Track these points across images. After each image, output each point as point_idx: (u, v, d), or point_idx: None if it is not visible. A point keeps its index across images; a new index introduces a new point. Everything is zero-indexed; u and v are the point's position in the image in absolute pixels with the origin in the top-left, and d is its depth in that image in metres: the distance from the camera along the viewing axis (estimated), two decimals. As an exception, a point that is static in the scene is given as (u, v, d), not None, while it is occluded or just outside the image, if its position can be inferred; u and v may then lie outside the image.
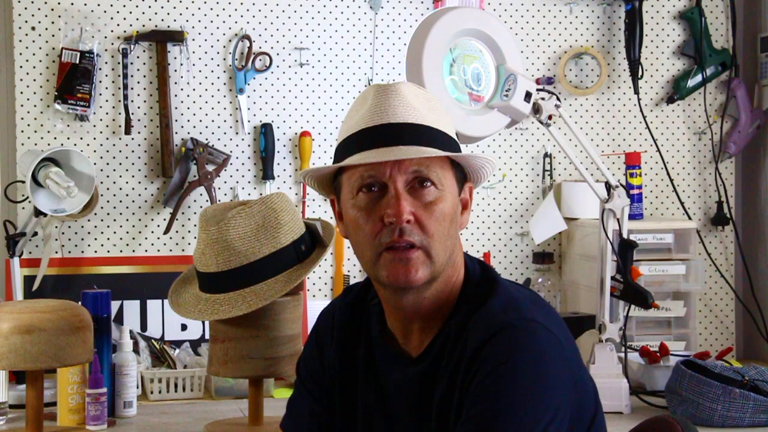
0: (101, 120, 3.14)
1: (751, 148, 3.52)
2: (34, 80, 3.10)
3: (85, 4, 3.12)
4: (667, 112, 3.49)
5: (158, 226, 3.17)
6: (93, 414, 2.50)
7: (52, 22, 3.10)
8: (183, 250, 3.17)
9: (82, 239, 3.13)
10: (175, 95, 3.18)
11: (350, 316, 1.78)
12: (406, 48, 2.69)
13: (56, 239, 3.08)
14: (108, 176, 3.14)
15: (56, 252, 3.09)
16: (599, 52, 3.43)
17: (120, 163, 3.15)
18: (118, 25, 3.14)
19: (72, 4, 3.11)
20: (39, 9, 3.09)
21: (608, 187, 2.78)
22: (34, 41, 3.10)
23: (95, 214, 3.09)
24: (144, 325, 3.09)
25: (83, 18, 3.10)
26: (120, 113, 3.14)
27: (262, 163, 3.21)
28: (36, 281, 2.98)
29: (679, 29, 3.50)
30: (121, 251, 3.15)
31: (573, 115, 3.40)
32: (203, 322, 3.06)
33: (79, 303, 2.51)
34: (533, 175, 3.41)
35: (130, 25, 3.15)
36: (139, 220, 3.17)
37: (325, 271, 3.27)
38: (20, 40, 3.09)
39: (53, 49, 3.10)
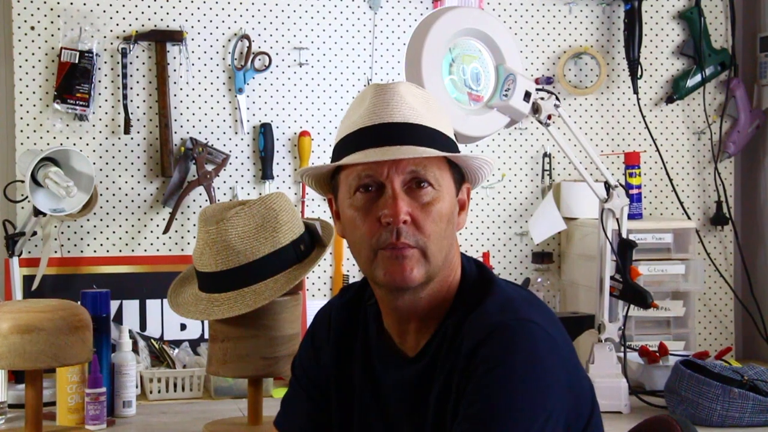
0: (100, 120, 3.14)
1: (751, 148, 3.52)
2: (34, 80, 3.10)
3: (85, 4, 3.12)
4: (667, 111, 3.50)
5: (157, 225, 3.17)
6: (92, 414, 2.50)
7: (52, 22, 3.10)
8: (182, 249, 3.17)
9: (82, 239, 3.13)
10: (175, 95, 3.18)
11: (347, 315, 1.78)
12: (406, 48, 2.68)
13: (55, 239, 3.08)
14: (107, 176, 3.14)
15: (55, 252, 3.09)
16: (598, 52, 3.43)
17: (119, 163, 3.15)
18: (117, 24, 3.14)
19: (71, 3, 3.11)
20: (38, 8, 3.09)
21: (607, 186, 2.78)
22: (33, 41, 3.10)
23: (94, 213, 3.09)
24: (143, 325, 3.09)
25: (82, 18, 3.10)
26: (119, 113, 3.14)
27: (262, 162, 3.21)
28: (35, 281, 2.97)
29: (679, 29, 3.50)
30: (120, 251, 3.15)
31: (572, 114, 3.40)
32: (202, 322, 3.06)
33: (79, 303, 2.51)
34: (532, 175, 3.41)
35: (130, 25, 3.15)
36: (139, 219, 3.17)
37: (325, 271, 3.27)
38: (19, 40, 3.09)
39: (52, 48, 3.10)
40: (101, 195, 3.11)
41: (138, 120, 3.16)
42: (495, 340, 1.54)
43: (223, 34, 3.21)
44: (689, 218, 3.40)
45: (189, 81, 3.19)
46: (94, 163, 3.05)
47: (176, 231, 3.18)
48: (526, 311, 1.59)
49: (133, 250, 3.16)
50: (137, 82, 3.16)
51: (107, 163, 3.14)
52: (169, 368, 2.93)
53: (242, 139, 3.23)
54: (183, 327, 3.10)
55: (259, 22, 3.24)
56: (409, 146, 1.59)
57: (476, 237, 3.38)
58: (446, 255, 1.63)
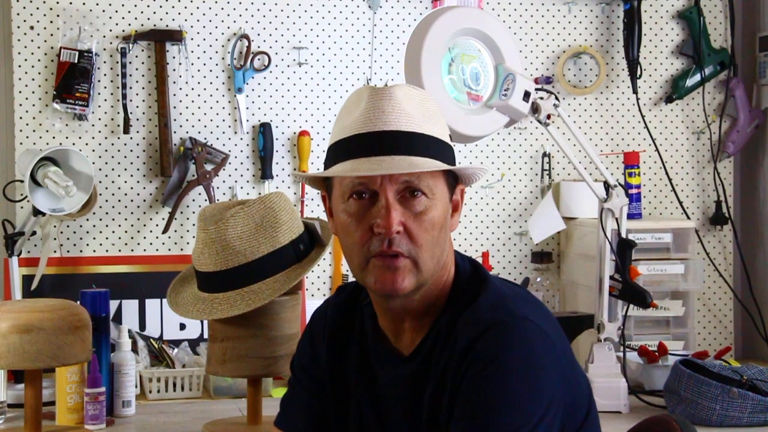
0: (100, 119, 3.14)
1: (750, 148, 3.52)
2: (33, 79, 3.10)
3: (84, 4, 3.12)
4: (666, 111, 3.49)
5: (157, 225, 3.17)
6: (92, 413, 2.50)
7: (51, 22, 3.10)
8: (182, 249, 3.17)
9: (81, 238, 3.13)
10: (174, 94, 3.17)
11: (342, 314, 1.78)
12: (405, 47, 2.68)
13: (55, 238, 3.08)
14: (107, 175, 3.14)
15: (55, 251, 3.09)
16: (598, 52, 3.43)
17: (118, 163, 3.15)
18: (116, 24, 3.14)
19: (71, 3, 3.11)
20: (37, 8, 3.09)
21: (607, 186, 2.78)
22: (32, 40, 3.10)
23: (94, 213, 3.09)
24: (143, 325, 3.09)
25: (82, 17, 3.10)
26: (119, 112, 3.14)
27: (261, 162, 3.21)
28: (35, 280, 2.97)
29: (678, 29, 3.50)
30: (119, 250, 3.15)
31: (572, 114, 3.40)
32: (202, 322, 3.06)
33: (78, 302, 2.51)
34: (532, 175, 3.41)
35: (129, 25, 3.15)
36: (138, 219, 3.17)
37: (324, 271, 3.27)
38: (19, 40, 3.09)
39: (52, 48, 3.10)
40: (100, 195, 3.11)
41: (137, 120, 3.15)
42: (488, 337, 1.55)
43: (223, 33, 3.21)
44: (688, 218, 3.40)
45: (188, 81, 3.19)
46: (93, 163, 3.05)
47: (175, 231, 3.17)
48: (519, 308, 1.59)
49: (132, 250, 3.16)
50: (136, 81, 3.16)
51: (106, 163, 3.14)
52: (168, 368, 2.93)
53: (241, 139, 3.23)
54: (182, 327, 3.10)
55: (258, 22, 3.24)
56: (404, 156, 1.58)
57: (476, 237, 3.38)
58: (438, 261, 1.63)
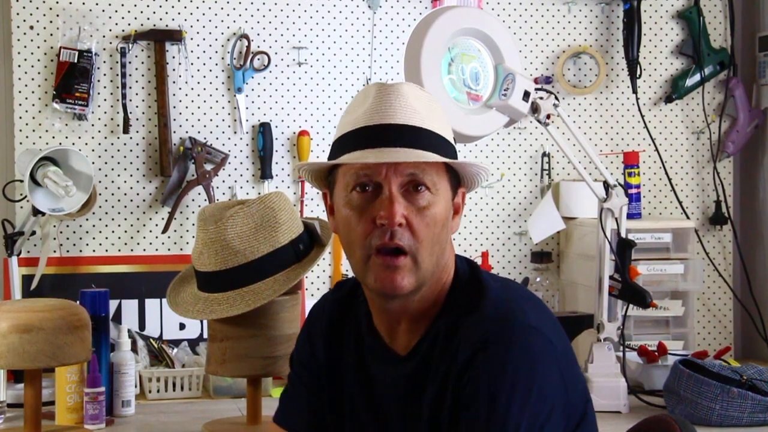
0: (99, 119, 3.14)
1: (750, 148, 3.52)
2: (33, 79, 3.10)
3: (84, 3, 3.12)
4: (666, 111, 3.49)
5: (156, 225, 3.17)
6: (91, 413, 2.50)
7: (51, 21, 3.10)
8: (181, 249, 3.17)
9: (81, 238, 3.13)
10: (174, 94, 3.17)
11: (340, 311, 1.78)
12: (405, 47, 2.69)
13: (54, 238, 3.08)
14: (106, 175, 3.14)
15: (54, 251, 3.09)
16: (598, 52, 3.43)
17: (118, 162, 3.15)
18: (116, 24, 3.14)
19: (70, 3, 3.11)
20: (37, 8, 3.09)
21: (606, 186, 2.78)
22: (32, 40, 3.10)
23: (93, 213, 3.09)
24: (142, 324, 3.09)
25: (81, 17, 3.10)
26: (118, 112, 3.14)
27: (261, 162, 3.21)
28: (34, 280, 2.97)
29: (678, 29, 3.50)
30: (119, 250, 3.15)
31: (571, 114, 3.40)
32: (201, 322, 3.06)
33: (78, 302, 2.51)
34: (531, 175, 3.41)
35: (129, 25, 3.15)
36: (138, 219, 3.17)
37: (324, 270, 3.27)
38: (18, 39, 3.09)
39: (51, 48, 3.10)
40: (100, 194, 3.11)
41: (137, 119, 3.15)
42: (493, 346, 1.55)
43: (222, 33, 3.21)
44: (688, 218, 3.40)
45: (188, 80, 3.19)
46: (93, 163, 3.05)
47: (175, 230, 3.17)
48: (523, 315, 1.59)
49: (132, 250, 3.16)
50: (136, 81, 3.16)
51: (106, 163, 3.14)
52: (168, 368, 2.93)
53: (241, 139, 3.23)
54: (182, 326, 3.10)
55: (258, 22, 3.24)
56: (409, 149, 1.59)
57: (475, 236, 3.38)
58: (438, 260, 1.63)
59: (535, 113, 2.73)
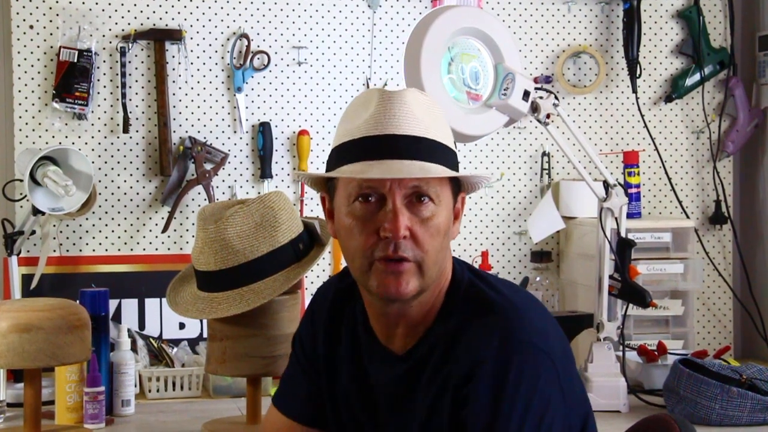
0: (99, 119, 3.14)
1: (750, 147, 3.52)
2: (32, 79, 3.10)
3: (83, 3, 3.11)
4: (666, 111, 3.49)
5: (156, 224, 3.17)
6: (91, 412, 2.49)
7: (50, 21, 3.10)
8: (181, 248, 3.17)
9: (80, 238, 3.13)
10: (173, 94, 3.17)
11: (340, 303, 1.78)
12: (405, 47, 2.68)
13: (54, 238, 3.08)
14: (106, 175, 3.14)
15: (54, 250, 3.09)
16: (597, 51, 3.43)
17: (118, 162, 3.15)
18: (116, 23, 3.14)
19: (70, 2, 3.11)
20: (37, 7, 3.09)
21: (606, 186, 2.78)
22: (32, 40, 3.09)
23: (93, 212, 3.09)
24: (142, 324, 3.09)
25: (81, 16, 3.10)
26: (118, 112, 3.14)
27: (260, 161, 3.21)
28: (34, 280, 2.97)
29: (678, 28, 3.50)
30: (119, 250, 3.15)
31: (571, 114, 3.40)
32: (201, 321, 3.06)
33: (77, 301, 2.51)
34: (531, 174, 3.41)
35: (128, 24, 3.15)
36: (137, 218, 3.17)
37: (323, 270, 3.27)
38: (18, 39, 3.09)
39: (51, 47, 3.10)
40: (100, 194, 3.11)
41: (137, 119, 3.15)
42: (494, 361, 1.55)
43: (222, 33, 3.21)
44: (688, 217, 3.40)
45: (188, 80, 3.18)
46: (92, 162, 3.05)
47: (175, 230, 3.17)
48: (526, 326, 1.59)
49: (131, 249, 3.16)
50: (136, 81, 3.16)
51: (106, 162, 3.14)
52: (167, 367, 2.93)
53: (241, 138, 3.23)
54: (182, 326, 3.10)
55: (258, 21, 3.24)
56: (414, 161, 1.57)
57: (475, 236, 3.38)
58: (440, 267, 1.63)
59: (534, 113, 2.73)
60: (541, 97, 2.72)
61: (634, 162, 3.27)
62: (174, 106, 3.17)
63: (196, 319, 3.01)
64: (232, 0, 3.22)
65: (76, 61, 3.07)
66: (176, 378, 2.85)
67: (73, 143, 3.10)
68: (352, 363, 1.73)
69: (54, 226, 3.05)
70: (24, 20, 3.09)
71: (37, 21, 3.09)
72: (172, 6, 3.18)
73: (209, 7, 3.20)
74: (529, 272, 3.38)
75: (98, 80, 3.13)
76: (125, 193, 3.16)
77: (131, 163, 3.16)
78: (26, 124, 3.09)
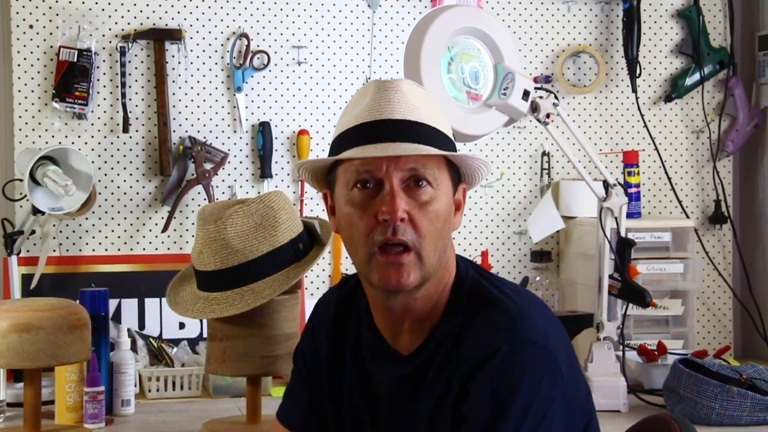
0: (99, 118, 3.14)
1: (749, 147, 3.52)
2: (32, 78, 3.10)
3: (83, 2, 3.11)
4: (665, 110, 3.49)
5: (156, 224, 3.17)
6: (91, 412, 2.49)
7: (50, 21, 3.10)
8: (181, 248, 3.17)
9: (80, 237, 3.13)
10: (173, 93, 3.17)
11: (344, 308, 1.78)
12: (404, 46, 2.69)
13: (54, 237, 3.08)
14: (106, 174, 3.14)
15: (54, 250, 3.09)
16: (597, 51, 3.43)
17: (118, 162, 3.15)
18: (116, 23, 3.14)
19: (70, 2, 3.11)
20: (37, 7, 3.09)
21: (606, 185, 2.78)
22: (31, 39, 3.09)
23: (93, 212, 3.09)
24: (142, 324, 3.09)
25: (81, 16, 3.10)
26: (118, 111, 3.14)
27: (260, 161, 3.21)
28: (34, 279, 2.97)
29: (677, 28, 3.50)
30: (119, 249, 3.15)
31: (571, 113, 3.40)
32: (201, 321, 3.06)
33: (77, 301, 2.51)
34: (531, 174, 3.41)
35: (128, 24, 3.15)
36: (137, 218, 3.17)
37: (323, 270, 3.27)
38: (18, 39, 3.09)
39: (51, 47, 3.09)
40: (100, 194, 3.11)
41: (137, 119, 3.15)
42: (497, 360, 1.54)
43: (222, 32, 3.21)
44: (688, 217, 3.40)
45: (188, 80, 3.18)
46: (92, 162, 3.05)
47: (175, 230, 3.17)
48: (529, 326, 1.58)
49: (131, 249, 3.16)
50: (136, 80, 3.16)
51: (106, 162, 3.14)
52: (167, 367, 2.93)
53: (241, 138, 3.23)
54: (182, 326, 3.10)
55: (257, 21, 3.24)
56: (409, 143, 1.58)
57: (475, 236, 3.38)
58: (441, 256, 1.63)
59: (534, 112, 2.73)
60: (540, 97, 2.72)
61: (633, 162, 3.27)
62: (174, 106, 3.17)
63: (196, 319, 3.01)
64: (231, 0, 3.22)
65: (75, 60, 3.07)
66: (176, 378, 2.85)
67: (73, 143, 3.10)
68: (356, 364, 1.72)
69: (54, 225, 3.05)
70: (24, 20, 3.09)
71: (37, 21, 3.09)
72: (172, 6, 3.18)
73: (209, 7, 3.20)
74: (529, 272, 3.38)
75: (98, 80, 3.13)
76: (125, 193, 3.16)
77: (131, 162, 3.16)
78: (26, 123, 3.09)
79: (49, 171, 2.79)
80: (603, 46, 3.46)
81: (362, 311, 1.74)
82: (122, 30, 3.14)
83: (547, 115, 2.73)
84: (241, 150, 3.23)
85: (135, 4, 3.15)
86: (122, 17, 3.15)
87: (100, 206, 3.12)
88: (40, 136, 3.09)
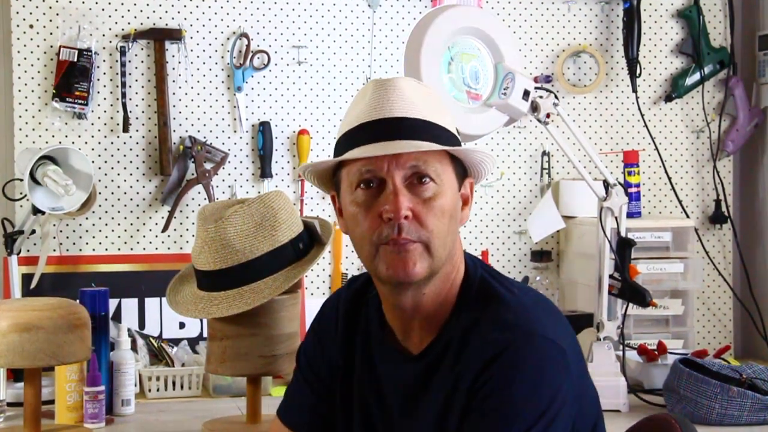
0: (99, 118, 3.14)
1: (749, 147, 3.52)
2: (32, 78, 3.10)
3: (83, 2, 3.11)
4: (665, 110, 3.49)
5: (156, 224, 3.17)
6: (91, 412, 2.50)
7: (50, 20, 3.10)
8: (181, 248, 3.17)
9: (80, 237, 3.13)
10: (173, 93, 3.17)
11: (352, 307, 1.77)
12: (405, 46, 2.69)
13: (54, 237, 3.08)
14: (106, 174, 3.14)
15: (54, 250, 3.09)
16: (597, 51, 3.43)
17: (118, 161, 3.15)
18: (116, 23, 3.14)
19: (70, 2, 3.11)
20: (37, 7, 3.09)
21: (606, 185, 2.78)
22: (32, 39, 3.09)
23: (93, 212, 3.09)
24: (142, 323, 3.09)
25: (81, 16, 3.10)
26: (118, 111, 3.14)
27: (260, 161, 3.21)
28: (34, 279, 2.97)
29: (678, 27, 3.50)
30: (119, 249, 3.15)
31: (571, 113, 3.40)
32: (201, 320, 3.06)
33: (77, 301, 2.51)
34: (531, 174, 3.41)
35: (128, 23, 3.15)
36: (137, 218, 3.17)
37: (323, 269, 3.27)
38: (18, 38, 3.09)
39: (51, 47, 3.09)
40: (100, 193, 3.11)
41: (137, 118, 3.15)
42: (505, 358, 1.54)
43: (222, 32, 3.21)
44: (688, 217, 3.40)
45: (188, 79, 3.18)
46: (92, 162, 3.05)
47: (175, 229, 3.17)
48: (539, 325, 1.58)
49: (131, 249, 3.16)
50: (136, 80, 3.16)
51: (106, 162, 3.14)
52: (167, 367, 2.93)
53: (241, 138, 3.23)
54: (182, 325, 3.10)
55: (258, 21, 3.24)
56: (409, 141, 1.58)
57: (475, 235, 3.38)
58: (449, 250, 1.62)
59: (534, 112, 2.73)
60: (540, 97, 2.72)
61: (634, 161, 3.27)
62: (174, 106, 3.17)
63: (196, 319, 3.00)
64: (232, 0, 3.22)
65: (76, 60, 3.07)
66: (176, 377, 2.85)
67: (73, 143, 3.10)
68: (365, 365, 1.72)
69: (54, 225, 3.05)
70: (24, 20, 3.09)
71: (37, 20, 3.09)
72: (172, 5, 3.18)
73: (209, 7, 3.20)
74: (529, 272, 3.38)
75: (98, 80, 3.13)
76: (125, 193, 3.16)
77: (131, 162, 3.16)
78: (26, 123, 3.09)
79: (50, 171, 2.79)
80: (603, 46, 3.46)
81: (372, 309, 1.73)
82: (122, 30, 3.15)
83: (547, 115, 2.73)
84: (241, 150, 3.23)
85: (135, 4, 3.15)
86: (122, 17, 3.15)
87: (100, 206, 3.12)
88: (40, 136, 3.09)
